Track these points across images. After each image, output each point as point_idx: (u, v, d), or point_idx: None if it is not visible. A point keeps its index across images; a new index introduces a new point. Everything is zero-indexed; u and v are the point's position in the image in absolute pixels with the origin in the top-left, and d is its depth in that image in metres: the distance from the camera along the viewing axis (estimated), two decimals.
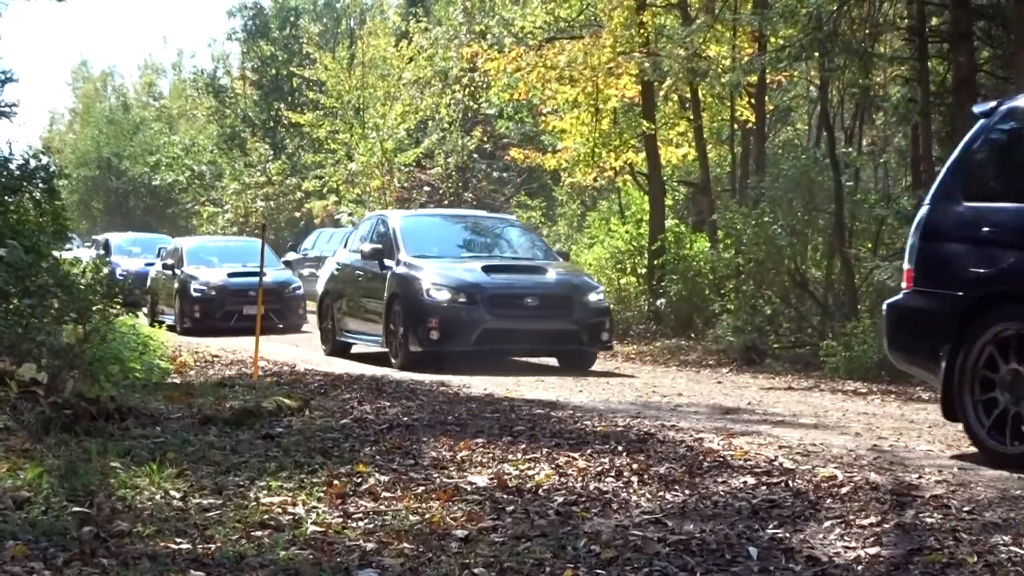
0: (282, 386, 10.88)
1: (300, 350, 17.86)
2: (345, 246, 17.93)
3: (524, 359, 15.81)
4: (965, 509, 5.46)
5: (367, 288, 15.93)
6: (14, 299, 9.61)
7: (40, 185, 11.31)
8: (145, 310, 24.21)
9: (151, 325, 21.55)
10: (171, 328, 21.87)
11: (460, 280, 14.45)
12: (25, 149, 12.81)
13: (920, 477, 6.30)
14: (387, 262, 15.32)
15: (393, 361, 14.69)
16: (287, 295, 22.93)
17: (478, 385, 11.60)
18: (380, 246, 15.63)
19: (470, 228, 17.16)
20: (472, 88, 32.08)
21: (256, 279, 21.14)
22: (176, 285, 23.04)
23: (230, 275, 22.44)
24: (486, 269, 14.76)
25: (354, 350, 16.73)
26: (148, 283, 24.90)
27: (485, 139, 34.94)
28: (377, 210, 31.97)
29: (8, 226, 10.24)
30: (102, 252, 29.02)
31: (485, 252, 16.08)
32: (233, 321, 21.86)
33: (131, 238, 33.69)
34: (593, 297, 14.88)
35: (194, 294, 22.40)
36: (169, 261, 23.99)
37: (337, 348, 16.80)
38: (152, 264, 26.73)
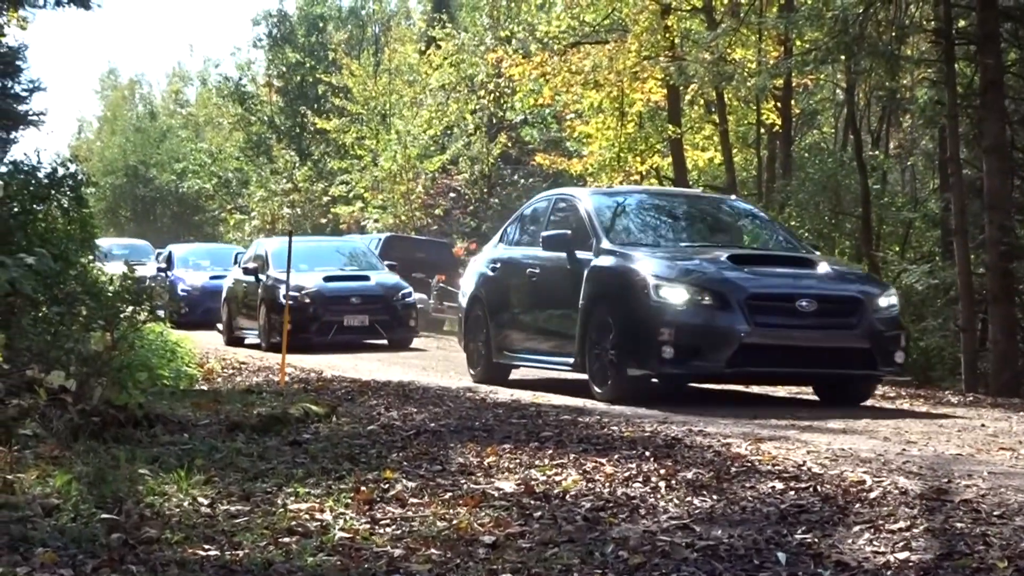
0: (309, 392, 10.90)
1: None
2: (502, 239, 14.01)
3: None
4: (995, 514, 5.42)
5: (548, 290, 12.16)
6: (43, 307, 9.65)
7: (68, 193, 11.35)
8: (220, 326, 21.63)
9: (228, 343, 19.90)
10: (253, 346, 19.38)
11: (702, 274, 10.57)
12: (53, 157, 12.87)
13: (949, 482, 6.26)
14: (581, 254, 11.50)
15: (596, 391, 10.86)
16: (396, 302, 19.47)
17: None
18: (568, 232, 11.78)
19: (689, 208, 13.05)
20: (497, 94, 32.12)
21: (359, 283, 19.41)
22: (260, 293, 19.37)
23: (326, 279, 19.35)
24: (735, 260, 10.87)
25: (518, 375, 13.33)
26: (224, 293, 21.48)
27: (510, 145, 34.96)
28: (387, 216, 32.02)
29: (37, 234, 10.29)
30: (163, 266, 27.49)
31: (720, 239, 12.35)
32: (331, 335, 18.85)
33: (195, 249, 30.46)
34: (884, 302, 10.84)
35: (284, 302, 18.86)
36: (251, 265, 20.13)
37: (493, 372, 12.92)
38: (219, 277, 24.20)
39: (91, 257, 11.90)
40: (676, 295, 10.28)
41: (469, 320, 13.50)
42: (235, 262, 22.47)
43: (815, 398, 11.52)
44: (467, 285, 13.94)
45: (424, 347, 19.24)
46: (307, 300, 18.76)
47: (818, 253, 12.91)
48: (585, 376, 11.15)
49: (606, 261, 11.10)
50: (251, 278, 19.83)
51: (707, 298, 10.25)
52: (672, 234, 12.17)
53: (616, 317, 10.64)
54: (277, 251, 19.64)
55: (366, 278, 19.86)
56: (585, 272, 11.17)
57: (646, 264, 10.64)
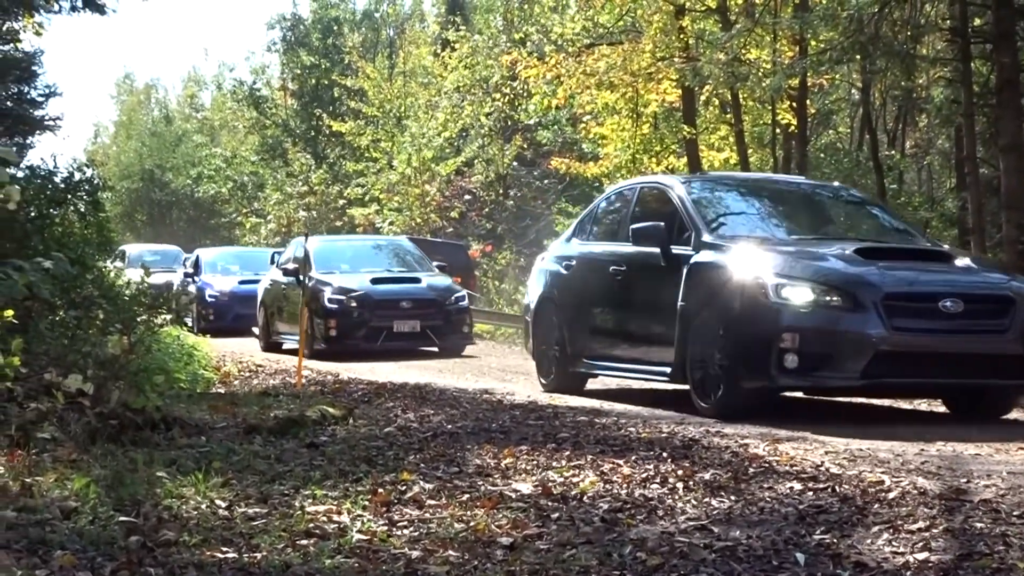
0: (326, 395, 10.91)
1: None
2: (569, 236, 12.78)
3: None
4: (1015, 514, 5.40)
5: (637, 289, 10.85)
6: (60, 311, 9.67)
7: (84, 198, 11.39)
8: (257, 331, 20.39)
9: (265, 349, 18.91)
10: (293, 352, 17.25)
11: (829, 271, 9.21)
12: (70, 162, 12.90)
13: (969, 482, 6.24)
14: (677, 249, 10.17)
15: (701, 405, 9.61)
16: (449, 306, 18.11)
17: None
18: (661, 224, 10.36)
19: (797, 196, 11.71)
20: (512, 96, 32.16)
21: (410, 286, 18.09)
22: (303, 297, 16.36)
23: (374, 281, 17.97)
24: (863, 254, 9.55)
25: (597, 384, 12.31)
26: (260, 296, 20.14)
27: (525, 147, 34.98)
28: (402, 219, 32.08)
29: (53, 238, 10.33)
30: (191, 271, 26.31)
31: (837, 230, 11.04)
32: (380, 341, 17.46)
33: (224, 253, 28.91)
34: None
35: (329, 306, 17.50)
36: (291, 266, 18.48)
37: (568, 382, 11.77)
38: (249, 281, 23.08)
39: (108, 261, 11.93)
40: (799, 295, 8.98)
41: (539, 324, 12.33)
42: (272, 262, 21.19)
43: (943, 410, 10.38)
44: (535, 286, 12.71)
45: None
46: (353, 304, 17.41)
47: (947, 246, 11.76)
48: (684, 387, 9.95)
49: (710, 256, 9.77)
50: (291, 280, 18.28)
51: (836, 298, 8.97)
52: (783, 225, 10.81)
53: (725, 321, 9.32)
54: (320, 250, 18.97)
55: (416, 280, 18.56)
56: (684, 270, 9.89)
57: (761, 260, 9.35)
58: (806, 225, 10.86)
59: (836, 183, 14.25)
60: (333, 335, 17.34)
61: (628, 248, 10.83)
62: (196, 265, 26.42)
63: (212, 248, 31.63)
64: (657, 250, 10.31)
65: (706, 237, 9.97)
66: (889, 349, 8.85)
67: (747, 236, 10.08)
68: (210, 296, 24.61)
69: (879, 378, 8.97)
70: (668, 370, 10.07)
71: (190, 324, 23.79)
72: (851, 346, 8.89)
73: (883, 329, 8.82)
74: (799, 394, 10.46)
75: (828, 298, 8.98)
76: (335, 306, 17.40)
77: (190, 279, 25.73)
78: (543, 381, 12.17)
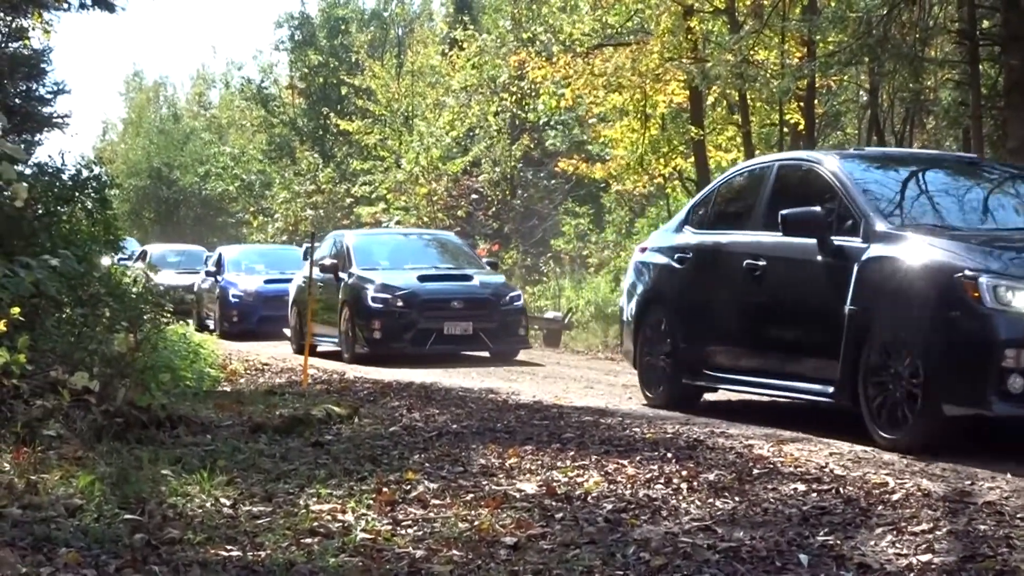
0: (331, 394, 10.93)
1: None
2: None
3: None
4: (1019, 516, 5.40)
5: (783, 288, 9.05)
6: (67, 308, 9.69)
7: (92, 195, 11.40)
8: (289, 332, 19.14)
9: (298, 352, 17.37)
10: (330, 355, 16.89)
11: None
12: (78, 159, 12.91)
13: (972, 484, 6.24)
14: (844, 240, 8.45)
15: (882, 435, 7.77)
16: (504, 307, 16.47)
17: (528, 392, 11.59)
18: (818, 209, 8.63)
19: (984, 178, 9.65)
20: (520, 95, 32.14)
21: (461, 284, 16.45)
22: (342, 295, 16.67)
23: (421, 279, 16.44)
24: None
25: (718, 397, 10.77)
26: (292, 295, 18.95)
27: (533, 147, 34.95)
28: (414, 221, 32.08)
29: (61, 236, 10.33)
30: (213, 270, 24.68)
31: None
32: (429, 345, 15.90)
33: (248, 250, 27.18)
34: None
35: (372, 305, 15.99)
36: (328, 262, 17.40)
37: (677, 395, 10.20)
38: (275, 280, 22.18)
39: (114, 257, 11.94)
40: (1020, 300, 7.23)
41: (644, 328, 10.67)
42: (305, 258, 19.25)
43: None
44: (635, 283, 11.03)
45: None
46: (400, 304, 15.86)
47: None
48: (850, 408, 8.22)
49: (889, 250, 8.02)
50: (328, 277, 17.12)
51: None
52: (975, 213, 8.81)
53: (919, 331, 7.60)
54: (360, 245, 17.67)
55: (468, 278, 16.92)
56: (854, 266, 8.18)
57: (966, 255, 7.57)
58: (1008, 213, 8.93)
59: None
60: (377, 337, 15.84)
61: (769, 238, 9.14)
62: (218, 263, 24.79)
63: (235, 245, 30.38)
64: (813, 241, 8.61)
65: (881, 226, 8.22)
66: None
67: (934, 226, 8.30)
68: (234, 296, 22.98)
69: None
70: (830, 389, 8.33)
71: (211, 327, 23.47)
72: None
73: None
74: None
75: None
76: (379, 305, 15.88)
77: (212, 278, 24.47)
78: (648, 395, 10.61)
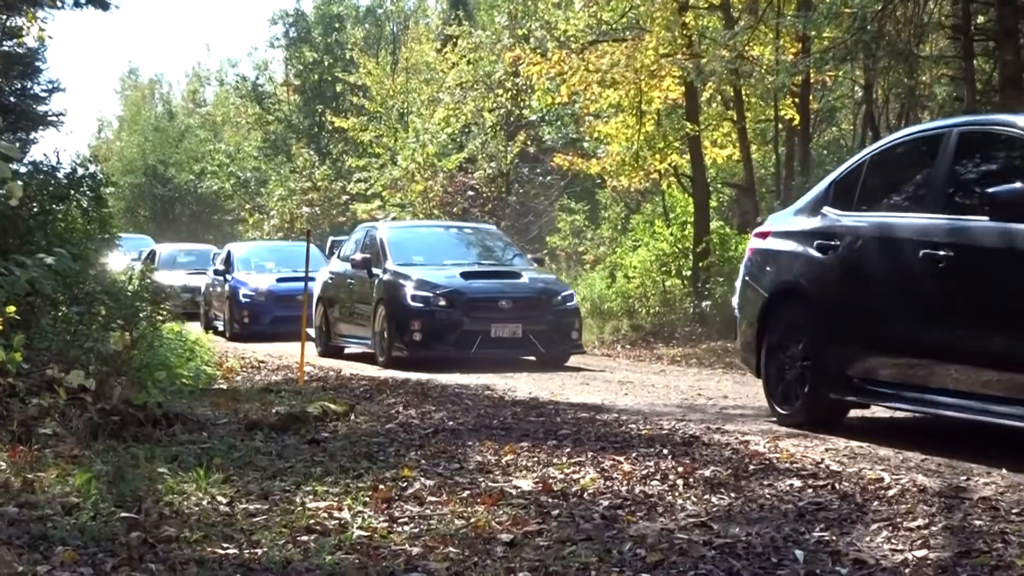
0: (328, 391, 10.93)
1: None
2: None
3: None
4: (1014, 511, 5.41)
5: (981, 286, 7.25)
6: (62, 306, 9.69)
7: (87, 193, 11.40)
8: (312, 332, 17.37)
9: (323, 354, 16.75)
10: (360, 358, 15.96)
11: None
12: (73, 157, 12.89)
13: (968, 479, 6.25)
14: None
15: None
16: (556, 307, 15.04)
17: (524, 389, 11.59)
18: (1019, 189, 6.93)
19: None
20: (515, 92, 32.15)
21: (509, 281, 15.27)
22: (377, 293, 15.42)
23: (465, 276, 15.13)
24: None
25: (864, 414, 9.11)
26: (317, 292, 17.61)
27: (528, 143, 34.95)
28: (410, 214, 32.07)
29: (56, 234, 10.33)
30: (221, 268, 23.55)
31: None
32: (475, 348, 14.52)
33: (258, 248, 26.26)
34: None
35: (412, 304, 14.68)
36: (360, 256, 16.16)
37: (820, 410, 8.49)
38: (287, 279, 21.46)
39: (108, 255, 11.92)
40: None
41: (774, 330, 8.92)
42: (330, 253, 18.33)
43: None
44: (756, 275, 9.26)
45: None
46: (443, 303, 14.60)
47: None
48: None
49: None
50: (361, 272, 15.97)
51: None
52: None
53: None
54: (395, 239, 16.34)
55: (516, 275, 15.64)
56: None
57: None
58: None
59: None
60: (417, 340, 14.53)
61: (961, 222, 7.41)
62: (227, 262, 23.63)
63: (244, 243, 29.39)
64: (1021, 226, 6.86)
65: None
66: None
67: None
68: (244, 296, 21.93)
69: None
70: None
71: (221, 328, 22.76)
72: None
73: None
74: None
75: None
76: (419, 305, 14.60)
77: (221, 277, 23.38)
78: (782, 410, 8.75)
